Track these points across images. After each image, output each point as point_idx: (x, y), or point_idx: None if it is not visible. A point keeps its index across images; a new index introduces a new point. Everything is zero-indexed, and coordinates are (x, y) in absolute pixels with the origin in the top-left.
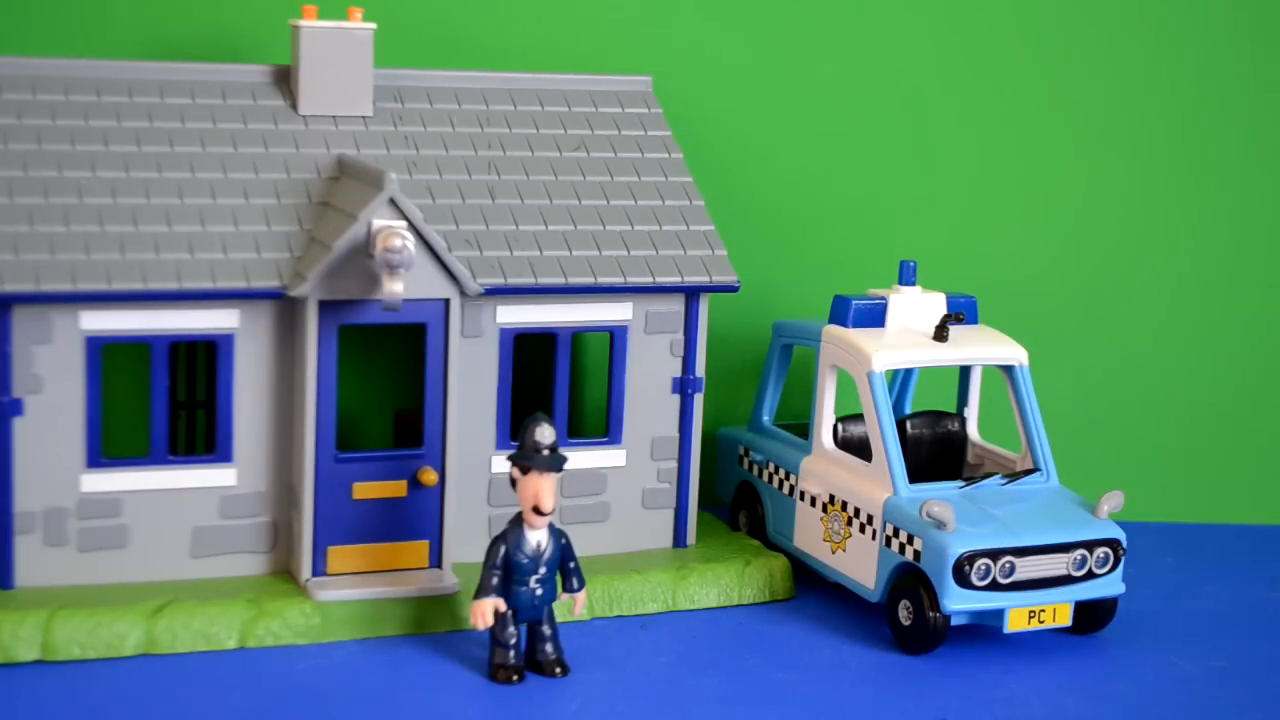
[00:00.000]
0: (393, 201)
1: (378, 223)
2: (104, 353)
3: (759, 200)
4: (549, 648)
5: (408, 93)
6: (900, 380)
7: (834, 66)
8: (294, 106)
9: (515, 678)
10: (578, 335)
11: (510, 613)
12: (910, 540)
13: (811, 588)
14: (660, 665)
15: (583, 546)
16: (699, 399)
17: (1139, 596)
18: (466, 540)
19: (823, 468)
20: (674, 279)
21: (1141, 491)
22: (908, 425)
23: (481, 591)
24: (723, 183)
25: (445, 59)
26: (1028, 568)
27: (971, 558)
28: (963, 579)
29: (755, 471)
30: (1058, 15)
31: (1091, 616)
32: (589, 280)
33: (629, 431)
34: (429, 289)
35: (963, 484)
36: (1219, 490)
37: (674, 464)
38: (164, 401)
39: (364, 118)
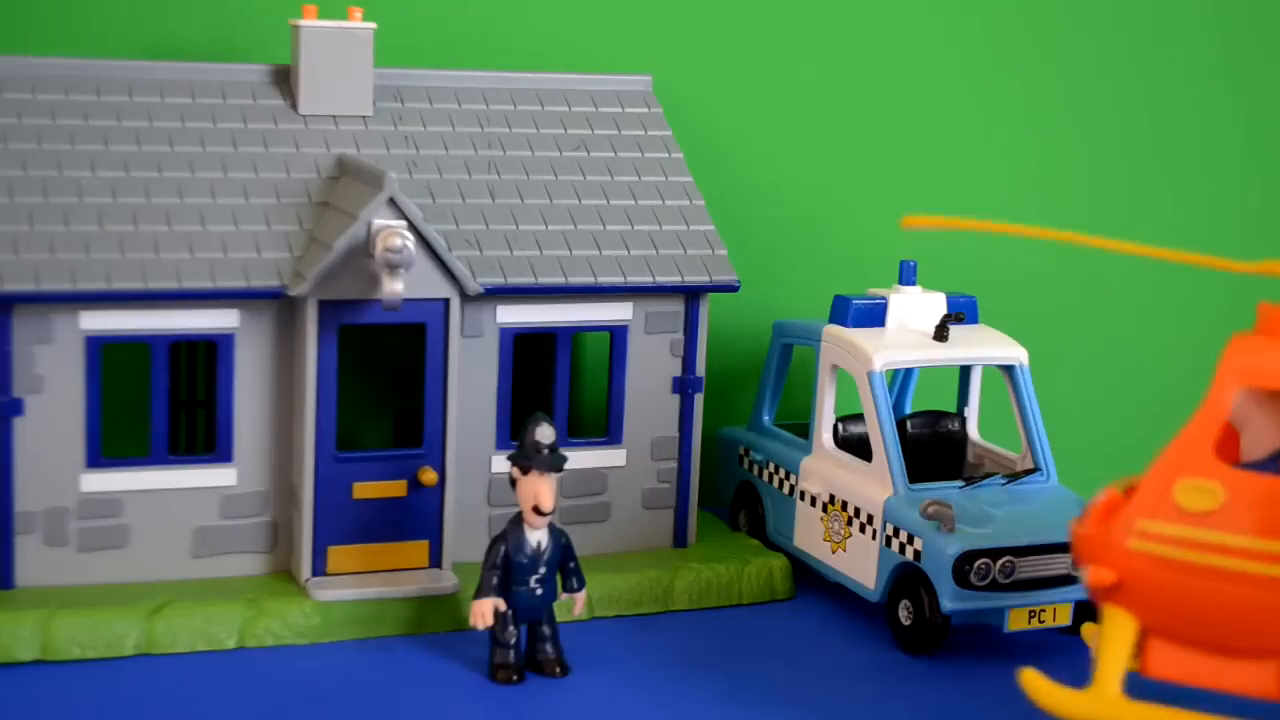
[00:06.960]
0: (393, 201)
1: (378, 222)
2: (104, 353)
3: (759, 200)
4: (549, 648)
5: (408, 93)
6: (900, 380)
7: (834, 66)
8: (294, 106)
9: (515, 678)
10: (578, 335)
11: (510, 613)
12: (910, 540)
13: (811, 588)
14: (660, 665)
15: (583, 546)
16: (699, 399)
17: None
18: (466, 540)
19: (823, 467)
20: (674, 279)
21: None
22: (908, 425)
23: (481, 591)
24: (723, 183)
25: (445, 59)
26: (1028, 568)
27: (971, 558)
28: (963, 579)
29: (755, 471)
30: (1059, 15)
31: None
32: (589, 280)
33: (629, 431)
34: (429, 289)
35: (963, 484)
36: None
37: (674, 464)
38: (164, 401)
39: (364, 118)
